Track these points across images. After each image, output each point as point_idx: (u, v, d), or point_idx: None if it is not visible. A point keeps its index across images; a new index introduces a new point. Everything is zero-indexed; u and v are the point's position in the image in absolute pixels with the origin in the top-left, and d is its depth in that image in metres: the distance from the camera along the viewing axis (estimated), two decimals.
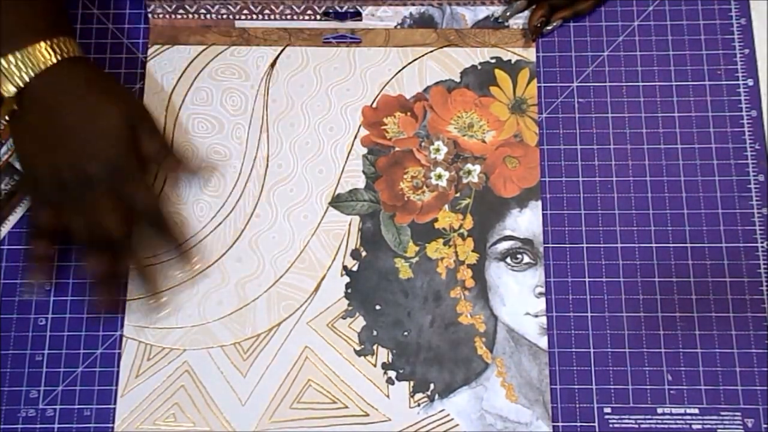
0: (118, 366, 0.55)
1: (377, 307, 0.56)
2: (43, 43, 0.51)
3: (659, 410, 0.53)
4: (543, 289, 0.55)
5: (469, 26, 0.61)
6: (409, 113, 0.59)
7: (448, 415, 0.54)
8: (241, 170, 0.58)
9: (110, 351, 0.55)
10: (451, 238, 0.57)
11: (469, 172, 0.58)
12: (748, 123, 0.58)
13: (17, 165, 0.58)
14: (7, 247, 0.57)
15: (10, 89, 0.51)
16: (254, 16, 0.61)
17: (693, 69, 0.60)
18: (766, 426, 0.53)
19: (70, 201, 0.52)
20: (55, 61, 0.51)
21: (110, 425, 0.54)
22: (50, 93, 0.51)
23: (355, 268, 0.56)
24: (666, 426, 0.53)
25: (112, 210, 0.52)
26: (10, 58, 0.50)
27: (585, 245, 0.56)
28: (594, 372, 0.54)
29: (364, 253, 0.57)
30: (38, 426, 0.54)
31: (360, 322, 0.55)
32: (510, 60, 0.60)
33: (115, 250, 0.53)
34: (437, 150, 0.58)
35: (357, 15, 0.61)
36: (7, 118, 0.52)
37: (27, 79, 0.51)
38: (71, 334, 0.55)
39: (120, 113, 0.53)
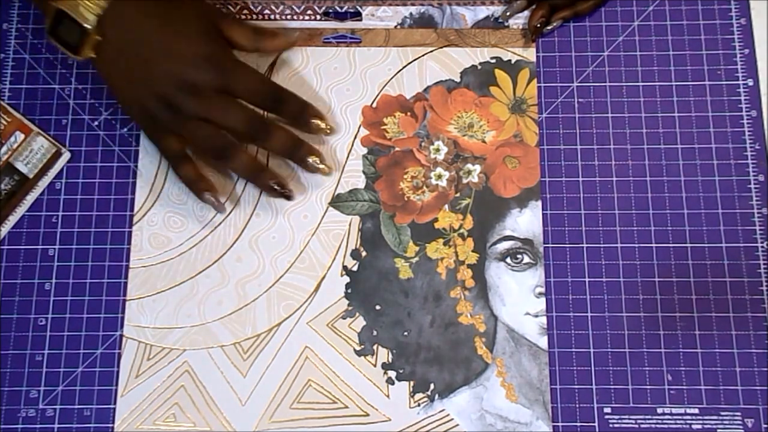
0: (118, 366, 0.55)
1: (377, 307, 0.56)
2: None
3: (659, 410, 0.53)
4: (543, 289, 0.56)
5: (469, 26, 0.61)
6: (409, 113, 0.59)
7: (448, 415, 0.54)
8: None
9: (110, 351, 0.55)
10: (451, 238, 0.57)
11: (469, 172, 0.58)
12: (748, 123, 0.58)
13: (17, 165, 0.58)
14: (7, 247, 0.57)
15: (90, 19, 0.50)
16: (254, 16, 0.61)
17: (693, 69, 0.60)
18: (766, 426, 0.53)
19: (186, 116, 0.52)
20: None
21: (110, 425, 0.54)
22: (129, 14, 0.51)
23: (355, 268, 0.56)
24: (666, 426, 0.53)
25: (230, 106, 0.52)
26: None
27: (585, 245, 0.56)
28: (594, 372, 0.54)
29: (364, 253, 0.57)
30: (38, 426, 0.54)
31: (360, 322, 0.55)
32: (510, 60, 0.60)
33: (256, 140, 0.54)
34: (437, 150, 0.58)
35: (357, 15, 0.61)
36: (93, 54, 0.52)
37: (102, 9, 0.50)
38: (71, 334, 0.55)
39: (199, 14, 0.53)
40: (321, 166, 0.56)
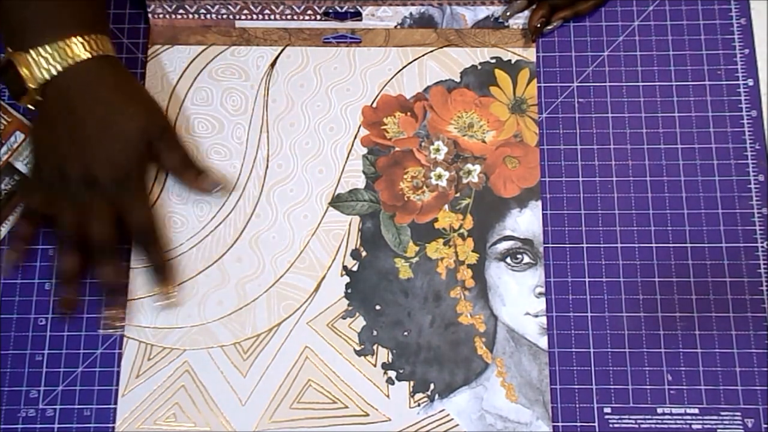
0: (119, 366, 0.55)
1: (377, 307, 0.56)
2: (77, 38, 0.51)
3: (659, 410, 0.53)
4: (543, 289, 0.56)
5: (469, 26, 0.61)
6: (409, 113, 0.59)
7: (448, 415, 0.54)
8: (241, 170, 0.58)
9: (110, 351, 0.55)
10: (451, 238, 0.57)
11: (469, 172, 0.58)
12: (748, 123, 0.58)
13: (17, 165, 0.58)
14: (7, 248, 0.57)
15: (37, 79, 0.51)
16: (254, 16, 0.61)
17: (693, 69, 0.60)
18: (766, 426, 0.53)
19: (67, 194, 0.52)
20: (86, 57, 0.51)
21: (110, 425, 0.54)
22: (75, 88, 0.51)
23: (355, 268, 0.56)
24: (666, 426, 0.53)
25: (103, 216, 0.52)
26: (43, 49, 0.50)
27: (585, 245, 0.56)
28: (594, 372, 0.54)
29: (364, 253, 0.57)
30: (38, 426, 0.54)
31: (360, 322, 0.55)
32: (510, 60, 0.60)
33: (91, 254, 0.53)
34: (437, 150, 0.58)
35: (357, 15, 0.61)
36: (31, 107, 0.52)
37: (55, 72, 0.51)
38: (71, 334, 0.55)
39: (140, 122, 0.53)
40: (112, 323, 0.55)
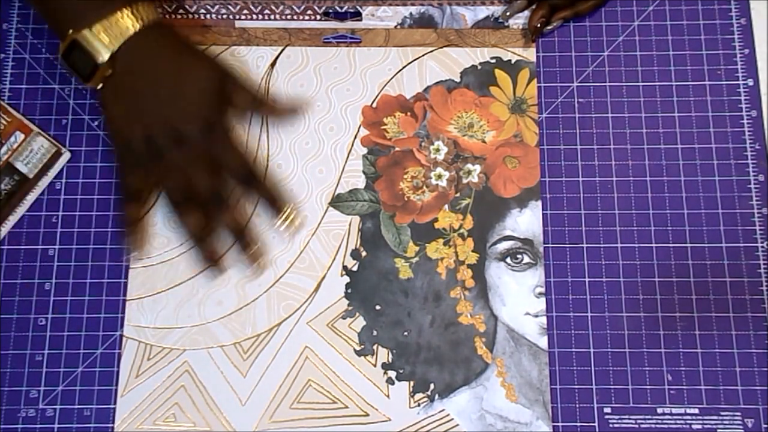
0: (118, 366, 0.55)
1: (377, 307, 0.56)
2: (124, 11, 0.52)
3: (659, 410, 0.53)
4: (543, 289, 0.55)
5: (469, 26, 0.61)
6: (409, 113, 0.59)
7: (448, 415, 0.54)
8: None
9: (110, 351, 0.55)
10: (451, 238, 0.57)
11: (469, 172, 0.58)
12: (748, 123, 0.58)
13: (17, 165, 0.58)
14: (7, 247, 0.57)
15: (104, 56, 0.51)
16: (254, 16, 0.61)
17: (693, 69, 0.60)
18: (766, 426, 0.53)
19: (162, 161, 0.53)
20: (137, 27, 0.52)
21: (110, 425, 0.54)
22: (141, 56, 0.52)
23: (355, 268, 0.56)
24: (666, 426, 0.53)
25: (204, 168, 0.53)
26: (97, 26, 0.51)
27: (585, 245, 0.56)
28: (594, 372, 0.54)
29: (364, 253, 0.57)
30: (38, 426, 0.54)
31: (360, 322, 0.55)
32: (510, 60, 0.60)
33: (210, 207, 0.54)
34: (437, 150, 0.58)
35: (357, 15, 0.61)
36: (101, 85, 0.53)
37: (116, 46, 0.51)
38: (71, 334, 0.55)
39: (208, 72, 0.54)
40: (255, 261, 0.56)
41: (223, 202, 0.54)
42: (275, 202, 0.56)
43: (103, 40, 0.51)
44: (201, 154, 0.53)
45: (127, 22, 0.52)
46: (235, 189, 0.55)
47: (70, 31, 0.52)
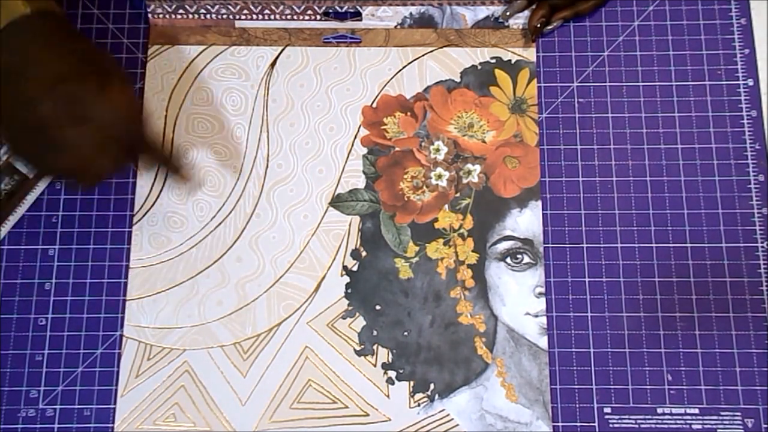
0: (118, 366, 0.55)
1: (377, 307, 0.56)
2: None
3: (659, 410, 0.53)
4: (543, 289, 0.55)
5: (469, 26, 0.61)
6: (409, 113, 0.59)
7: (448, 415, 0.54)
8: (241, 170, 0.58)
9: (110, 351, 0.55)
10: (451, 238, 0.57)
11: (469, 172, 0.58)
12: (748, 123, 0.58)
13: (17, 165, 0.58)
14: (7, 247, 0.57)
15: None
16: (254, 16, 0.61)
17: (693, 69, 0.60)
18: (766, 426, 0.53)
19: (42, 145, 0.50)
20: (28, 11, 0.50)
21: (110, 425, 0.54)
22: (15, 40, 0.50)
23: (355, 268, 0.56)
24: (666, 426, 0.53)
25: (83, 143, 0.49)
26: None
27: (585, 245, 0.56)
28: (594, 372, 0.54)
29: (364, 253, 0.57)
30: (38, 426, 0.54)
31: (360, 322, 0.55)
32: (510, 60, 0.60)
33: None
34: (437, 150, 0.58)
35: (357, 15, 0.61)
36: None
37: (2, 25, 0.49)
38: (71, 334, 0.55)
39: (84, 56, 0.51)
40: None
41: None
42: (168, 164, 0.55)
43: None
44: (80, 128, 0.49)
45: (19, 5, 0.50)
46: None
47: None
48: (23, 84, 0.50)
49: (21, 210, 0.58)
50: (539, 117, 0.59)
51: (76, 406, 0.54)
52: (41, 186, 0.58)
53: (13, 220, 0.58)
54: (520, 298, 0.55)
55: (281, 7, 0.61)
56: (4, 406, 0.54)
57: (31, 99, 0.49)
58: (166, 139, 0.59)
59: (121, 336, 0.55)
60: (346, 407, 0.54)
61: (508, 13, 0.60)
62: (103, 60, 0.53)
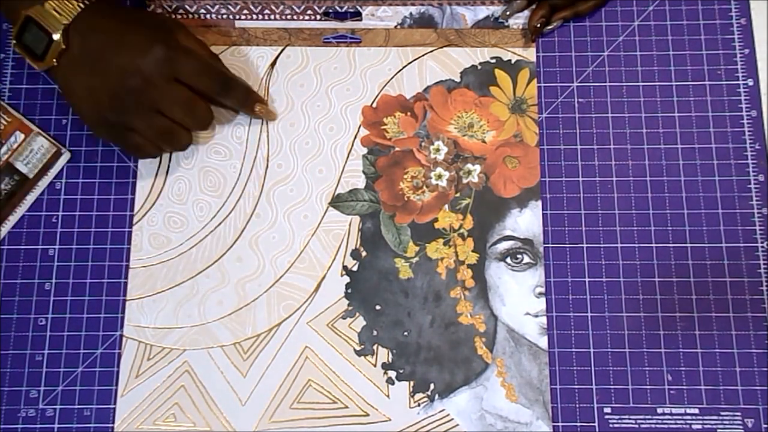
0: (118, 366, 0.55)
1: (377, 307, 0.56)
2: None
3: (659, 410, 0.53)
4: (543, 289, 0.56)
5: (469, 26, 0.61)
6: (409, 113, 0.59)
7: (448, 415, 0.54)
8: (241, 170, 0.58)
9: (110, 351, 0.55)
10: (451, 238, 0.57)
11: (469, 172, 0.58)
12: (748, 123, 0.58)
13: (17, 165, 0.58)
14: (7, 247, 0.57)
15: (57, 28, 0.53)
16: (254, 16, 0.61)
17: (693, 69, 0.60)
18: (766, 426, 0.53)
19: (138, 111, 0.53)
20: (86, 2, 0.53)
21: (110, 425, 0.54)
22: (94, 26, 0.53)
23: (355, 268, 0.56)
24: (666, 426, 0.53)
25: (179, 106, 0.54)
26: (49, 3, 0.53)
27: (585, 245, 0.56)
28: (594, 372, 0.54)
29: (364, 253, 0.57)
30: (38, 426, 0.54)
31: (360, 322, 0.55)
32: (510, 60, 0.60)
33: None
34: (437, 150, 0.58)
35: (357, 15, 0.61)
36: (55, 61, 0.53)
37: (69, 20, 0.53)
38: (71, 334, 0.55)
39: (158, 23, 0.55)
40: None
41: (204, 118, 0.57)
42: (251, 99, 0.58)
43: (55, 15, 0.53)
44: (170, 83, 0.54)
45: (73, 3, 0.53)
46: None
47: (21, 11, 0.53)
48: (113, 61, 0.53)
49: (21, 210, 0.58)
50: (539, 117, 0.59)
51: (76, 406, 0.54)
52: (41, 186, 0.58)
53: (13, 220, 0.58)
54: (520, 298, 0.55)
55: (281, 7, 0.61)
56: (4, 406, 0.54)
57: (128, 69, 0.53)
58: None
59: (121, 336, 0.55)
60: (346, 407, 0.54)
61: (508, 13, 0.60)
62: (164, 19, 0.57)
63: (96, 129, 0.56)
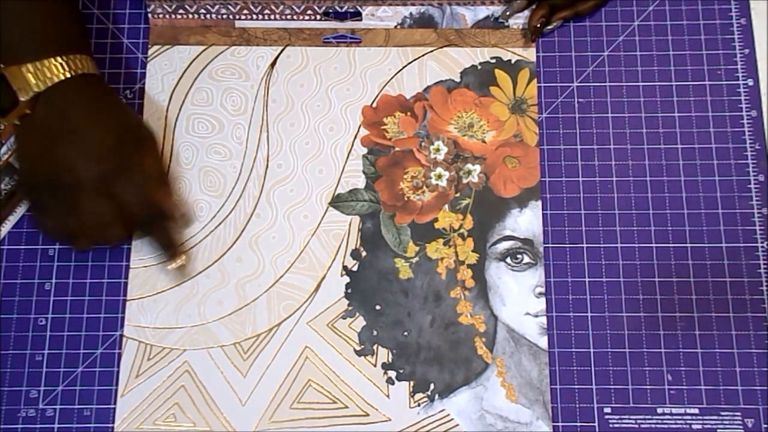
0: (118, 366, 0.55)
1: (377, 307, 0.56)
2: (58, 59, 0.52)
3: (659, 410, 0.53)
4: (543, 289, 0.56)
5: (469, 26, 0.61)
6: (409, 113, 0.59)
7: (448, 415, 0.54)
8: (241, 170, 0.58)
9: (110, 351, 0.55)
10: (451, 238, 0.57)
11: (469, 172, 0.58)
12: (748, 123, 0.58)
13: (17, 165, 0.58)
14: (7, 247, 0.57)
15: (27, 95, 0.52)
16: (254, 16, 0.61)
17: (693, 69, 0.60)
18: (766, 426, 0.53)
19: (61, 204, 0.52)
20: (66, 76, 0.52)
21: (110, 425, 0.54)
22: (63, 102, 0.52)
23: (355, 268, 0.56)
24: (666, 426, 0.53)
25: (102, 213, 0.52)
26: (28, 66, 0.51)
27: (585, 245, 0.56)
28: (594, 372, 0.54)
29: (364, 253, 0.57)
30: (38, 426, 0.54)
31: (360, 322, 0.55)
32: (510, 60, 0.60)
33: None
34: (437, 150, 0.58)
35: (357, 15, 0.61)
36: (17, 121, 0.53)
37: (41, 89, 0.52)
38: (71, 334, 0.55)
39: (124, 126, 0.54)
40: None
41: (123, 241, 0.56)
42: (169, 248, 0.56)
43: (29, 81, 0.51)
44: (98, 199, 0.52)
45: (59, 70, 0.52)
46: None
47: (1, 65, 0.52)
48: (64, 148, 0.52)
49: (21, 210, 0.58)
50: (539, 117, 0.59)
51: (76, 406, 0.54)
52: None
53: (13, 220, 0.58)
54: (520, 298, 0.55)
55: (281, 7, 0.61)
56: (4, 406, 0.54)
57: (71, 165, 0.52)
58: (166, 140, 0.59)
59: (121, 336, 0.55)
60: (346, 407, 0.54)
61: (508, 13, 0.60)
62: (139, 128, 0.56)
63: (20, 189, 0.56)
